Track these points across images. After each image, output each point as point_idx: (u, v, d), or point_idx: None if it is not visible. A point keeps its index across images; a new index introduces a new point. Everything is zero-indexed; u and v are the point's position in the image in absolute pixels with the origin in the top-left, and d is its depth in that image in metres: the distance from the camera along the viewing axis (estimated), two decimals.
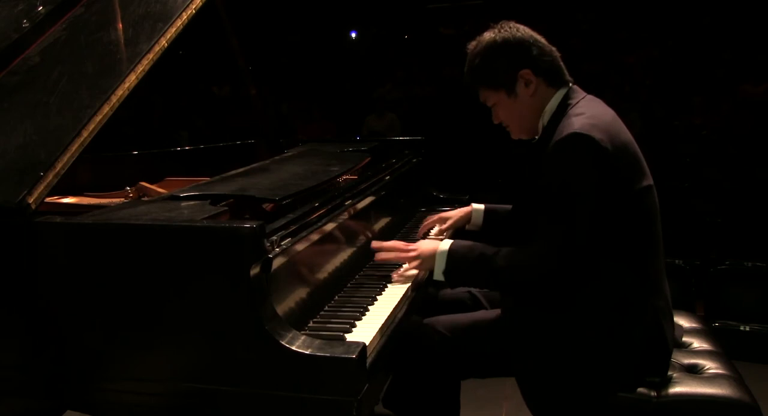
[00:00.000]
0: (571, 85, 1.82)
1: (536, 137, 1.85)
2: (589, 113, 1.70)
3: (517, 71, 1.76)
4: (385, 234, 2.32)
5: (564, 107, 1.77)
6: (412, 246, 1.90)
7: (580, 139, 1.60)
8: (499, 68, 1.78)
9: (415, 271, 1.89)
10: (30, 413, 1.56)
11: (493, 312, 1.90)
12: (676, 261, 4.03)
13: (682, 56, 7.68)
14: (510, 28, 1.79)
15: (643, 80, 7.33)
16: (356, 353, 1.29)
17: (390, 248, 1.93)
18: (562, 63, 1.82)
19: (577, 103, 1.76)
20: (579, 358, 1.70)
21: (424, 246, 1.86)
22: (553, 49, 1.81)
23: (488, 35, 1.80)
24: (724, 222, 4.81)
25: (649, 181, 1.72)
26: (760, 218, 4.74)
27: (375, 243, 1.96)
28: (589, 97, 1.82)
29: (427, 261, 1.83)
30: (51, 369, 1.49)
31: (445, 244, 1.80)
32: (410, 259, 1.87)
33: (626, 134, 1.73)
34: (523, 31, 1.79)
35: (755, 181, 5.27)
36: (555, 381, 1.72)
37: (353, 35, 11.23)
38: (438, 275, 1.81)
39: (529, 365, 1.74)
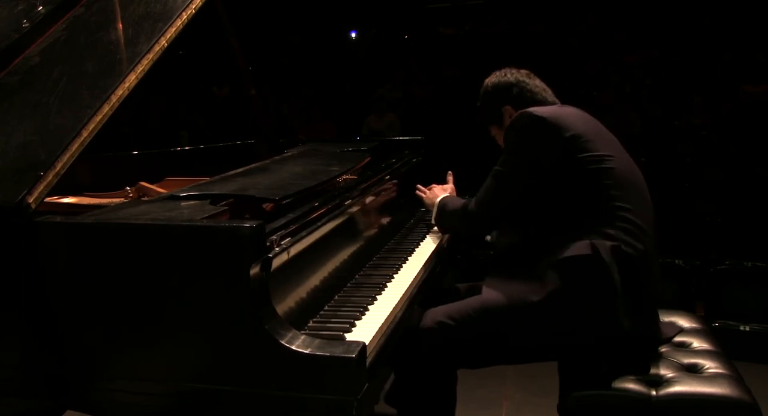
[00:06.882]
0: (556, 105, 2.05)
1: None
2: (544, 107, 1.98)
3: (501, 108, 2.12)
4: (385, 234, 2.33)
5: None
6: (427, 193, 2.46)
7: (521, 114, 1.95)
8: (490, 107, 2.17)
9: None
10: (30, 413, 1.56)
11: (489, 296, 1.90)
12: (676, 261, 4.02)
13: (682, 56, 7.69)
14: (499, 73, 2.15)
15: (643, 80, 7.33)
16: (356, 352, 1.29)
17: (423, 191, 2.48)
18: (545, 92, 2.11)
19: None
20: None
21: (432, 193, 2.43)
22: (537, 84, 2.11)
23: (486, 80, 2.18)
24: (724, 222, 4.82)
25: (603, 152, 1.86)
26: (760, 218, 4.75)
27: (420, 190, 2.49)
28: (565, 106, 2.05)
29: (428, 206, 2.42)
30: (51, 369, 1.49)
31: (439, 199, 2.33)
32: (423, 198, 2.46)
33: (588, 120, 1.96)
34: (511, 75, 2.12)
35: (755, 180, 5.28)
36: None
37: (353, 35, 11.24)
38: (433, 221, 2.37)
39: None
